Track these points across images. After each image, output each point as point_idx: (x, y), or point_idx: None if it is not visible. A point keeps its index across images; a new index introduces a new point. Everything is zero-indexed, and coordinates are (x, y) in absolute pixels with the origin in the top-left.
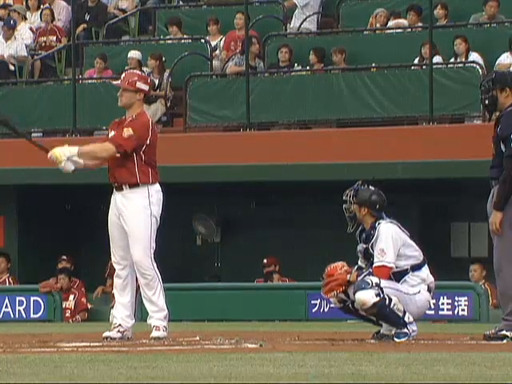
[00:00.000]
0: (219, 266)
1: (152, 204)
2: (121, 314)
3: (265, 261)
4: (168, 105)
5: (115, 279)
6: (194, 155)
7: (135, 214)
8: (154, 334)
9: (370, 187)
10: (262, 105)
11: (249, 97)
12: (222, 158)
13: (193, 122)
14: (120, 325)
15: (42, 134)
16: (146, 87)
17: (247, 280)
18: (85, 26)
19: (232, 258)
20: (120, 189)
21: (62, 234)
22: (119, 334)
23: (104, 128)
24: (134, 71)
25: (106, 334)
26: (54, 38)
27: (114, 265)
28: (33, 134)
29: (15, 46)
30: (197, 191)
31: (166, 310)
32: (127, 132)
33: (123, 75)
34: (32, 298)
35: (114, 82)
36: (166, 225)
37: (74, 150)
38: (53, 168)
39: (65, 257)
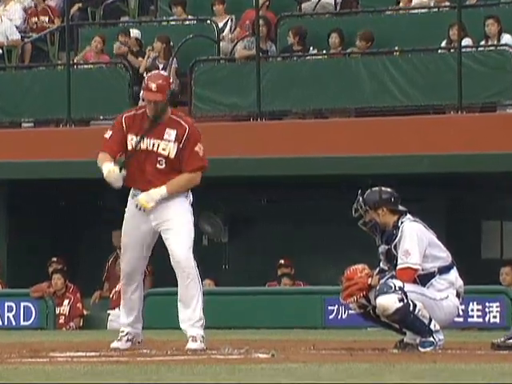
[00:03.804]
0: (227, 268)
1: (190, 201)
2: (128, 319)
3: (282, 261)
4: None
5: (126, 286)
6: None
7: (179, 211)
8: (191, 345)
9: (373, 188)
10: (274, 92)
11: (259, 83)
12: (229, 151)
13: (198, 110)
14: (128, 333)
15: (33, 125)
16: (172, 84)
17: (258, 284)
18: (80, 5)
19: (241, 260)
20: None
21: (55, 234)
22: (129, 344)
23: (101, 118)
24: (158, 74)
25: (114, 344)
26: (47, 18)
27: (126, 276)
28: (23, 125)
29: (3, 27)
30: (202, 187)
31: (204, 318)
32: (199, 149)
33: (152, 85)
34: (22, 304)
35: (145, 97)
36: None
37: (162, 190)
38: (45, 161)
39: (55, 258)
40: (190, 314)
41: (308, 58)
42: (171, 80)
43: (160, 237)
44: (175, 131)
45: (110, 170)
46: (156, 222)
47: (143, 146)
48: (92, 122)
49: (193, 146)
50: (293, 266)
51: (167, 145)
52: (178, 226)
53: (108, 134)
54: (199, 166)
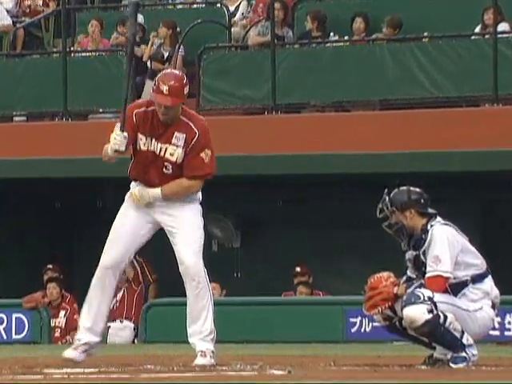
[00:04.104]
0: (239, 275)
1: (199, 199)
2: (89, 324)
3: (298, 269)
4: None
5: (98, 282)
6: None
7: (190, 214)
8: (200, 361)
9: (401, 188)
10: (291, 83)
11: (275, 73)
12: (241, 147)
13: (207, 103)
14: (87, 343)
15: (25, 118)
16: (187, 86)
17: (272, 293)
18: None
19: (254, 267)
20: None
21: (51, 237)
22: (84, 355)
23: (100, 111)
24: (171, 74)
25: (69, 354)
26: (41, 1)
27: (104, 269)
28: (15, 118)
29: None
30: (212, 187)
31: (215, 331)
32: (206, 155)
33: (164, 87)
34: (14, 315)
35: (155, 99)
36: None
37: (157, 193)
38: (38, 158)
39: (50, 265)
40: (200, 326)
41: (328, 44)
42: (185, 81)
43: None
44: (184, 135)
45: (112, 136)
46: (162, 218)
47: (151, 148)
48: (90, 115)
49: (199, 152)
50: (311, 274)
51: (175, 150)
52: (187, 229)
53: (119, 129)
54: (200, 175)
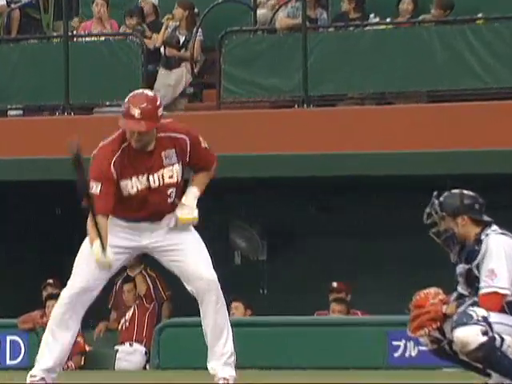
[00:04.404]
0: (265, 292)
1: None
2: (48, 363)
3: (333, 285)
4: (196, 71)
5: (62, 312)
6: (231, 141)
7: (190, 232)
8: None
9: (453, 191)
10: (325, 71)
11: (306, 60)
12: (269, 146)
13: (229, 95)
14: (43, 378)
15: (22, 112)
16: (161, 107)
17: (304, 312)
18: None
19: (283, 283)
20: (159, 219)
21: (50, 249)
22: None
23: (107, 104)
24: (142, 95)
25: None
26: None
27: (72, 297)
28: (10, 112)
29: None
30: (235, 191)
31: (235, 353)
32: (205, 143)
33: (135, 111)
34: (8, 338)
35: (125, 125)
36: None
37: (197, 194)
38: (36, 158)
39: (51, 281)
40: (221, 347)
41: (367, 28)
42: (158, 102)
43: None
44: (173, 150)
45: (93, 251)
46: (154, 240)
47: (143, 186)
48: (96, 109)
49: (200, 146)
50: (348, 291)
51: (172, 170)
52: (195, 244)
53: (96, 188)
54: (215, 159)
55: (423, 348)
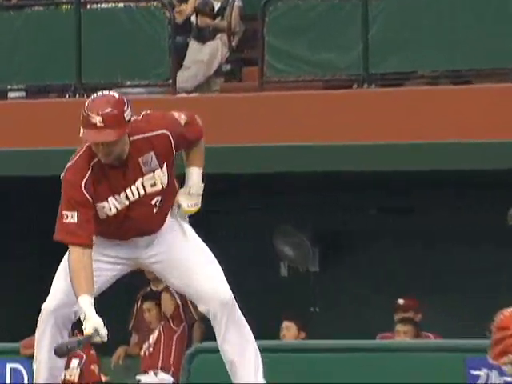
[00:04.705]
0: (317, 310)
1: None
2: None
3: (400, 302)
4: (234, 45)
5: (41, 325)
6: (276, 129)
7: (188, 233)
8: None
9: None
10: (389, 44)
11: (367, 30)
12: (321, 134)
13: (274, 73)
14: None
15: (24, 94)
16: (129, 108)
17: (364, 335)
18: None
19: (339, 299)
20: (150, 233)
21: (56, 262)
22: None
23: (128, 84)
24: (102, 98)
25: None
26: None
27: (49, 314)
28: (10, 94)
29: None
30: (280, 189)
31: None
32: (181, 117)
33: (96, 118)
34: (9, 365)
35: (86, 138)
36: (230, 245)
37: (200, 174)
38: (42, 149)
39: None
40: (253, 376)
41: None
42: (125, 103)
43: None
44: (151, 153)
45: (98, 326)
46: (152, 253)
47: (122, 205)
48: (114, 90)
49: (181, 129)
50: (417, 309)
51: (153, 176)
52: (201, 255)
53: (72, 217)
54: (201, 130)
55: (508, 379)
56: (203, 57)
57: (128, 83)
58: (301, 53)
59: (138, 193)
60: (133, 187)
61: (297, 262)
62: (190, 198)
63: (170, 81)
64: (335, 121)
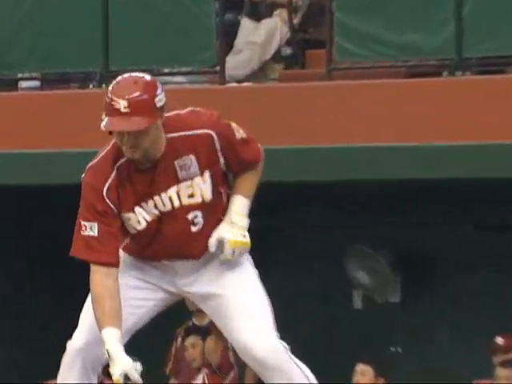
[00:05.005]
0: (399, 351)
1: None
2: None
3: (499, 341)
4: (296, 23)
5: (64, 366)
6: (347, 126)
7: (240, 267)
8: None
9: None
10: (487, 23)
11: (461, 7)
12: (404, 132)
13: (344, 57)
14: None
15: (39, 84)
16: (162, 93)
17: (456, 381)
18: None
19: (425, 336)
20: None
21: (74, 290)
22: None
23: (166, 71)
24: (130, 79)
25: None
26: None
27: (74, 354)
28: (21, 84)
29: None
30: (354, 201)
31: None
32: (239, 132)
33: (120, 102)
34: None
35: (108, 126)
36: (291, 269)
37: (246, 205)
38: (61, 152)
39: None
40: None
41: None
42: (158, 88)
43: None
44: (192, 156)
45: (129, 369)
46: (192, 282)
47: (151, 215)
48: None
49: (234, 139)
50: None
51: (192, 185)
52: (244, 294)
53: (92, 229)
54: (261, 152)
55: None
56: (258, 38)
57: (166, 71)
58: (378, 33)
59: (172, 203)
60: (163, 195)
61: (374, 291)
62: (233, 226)
63: (218, 67)
64: (421, 116)
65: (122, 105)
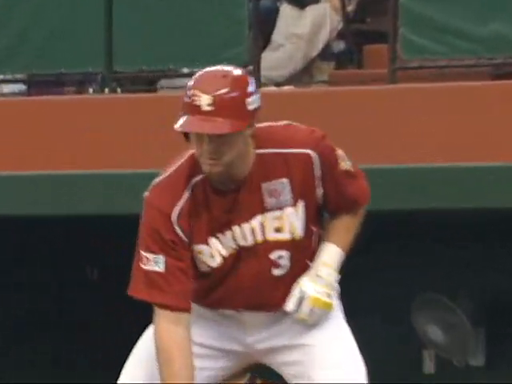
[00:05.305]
0: None
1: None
2: None
3: None
4: (350, 10)
5: None
6: (419, 142)
7: (329, 320)
8: None
9: None
10: None
11: None
12: (491, 149)
13: (411, 53)
14: None
15: (25, 87)
16: (256, 94)
17: None
18: None
19: None
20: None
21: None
22: None
23: (185, 72)
24: (217, 72)
25: None
26: None
27: None
28: (4, 88)
29: None
30: (424, 236)
31: None
32: (345, 161)
33: (204, 98)
34: None
35: (192, 126)
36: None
37: (339, 258)
38: (56, 174)
39: None
40: None
41: None
42: (250, 85)
43: None
44: (283, 179)
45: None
46: (266, 344)
47: (228, 250)
48: (161, 81)
49: (337, 169)
50: None
51: (281, 217)
52: (331, 351)
53: (157, 263)
54: (367, 192)
55: None
56: (302, 29)
57: (185, 71)
58: (455, 23)
59: (254, 236)
60: (245, 226)
61: (450, 352)
62: (316, 281)
63: (251, 67)
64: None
65: (204, 101)
